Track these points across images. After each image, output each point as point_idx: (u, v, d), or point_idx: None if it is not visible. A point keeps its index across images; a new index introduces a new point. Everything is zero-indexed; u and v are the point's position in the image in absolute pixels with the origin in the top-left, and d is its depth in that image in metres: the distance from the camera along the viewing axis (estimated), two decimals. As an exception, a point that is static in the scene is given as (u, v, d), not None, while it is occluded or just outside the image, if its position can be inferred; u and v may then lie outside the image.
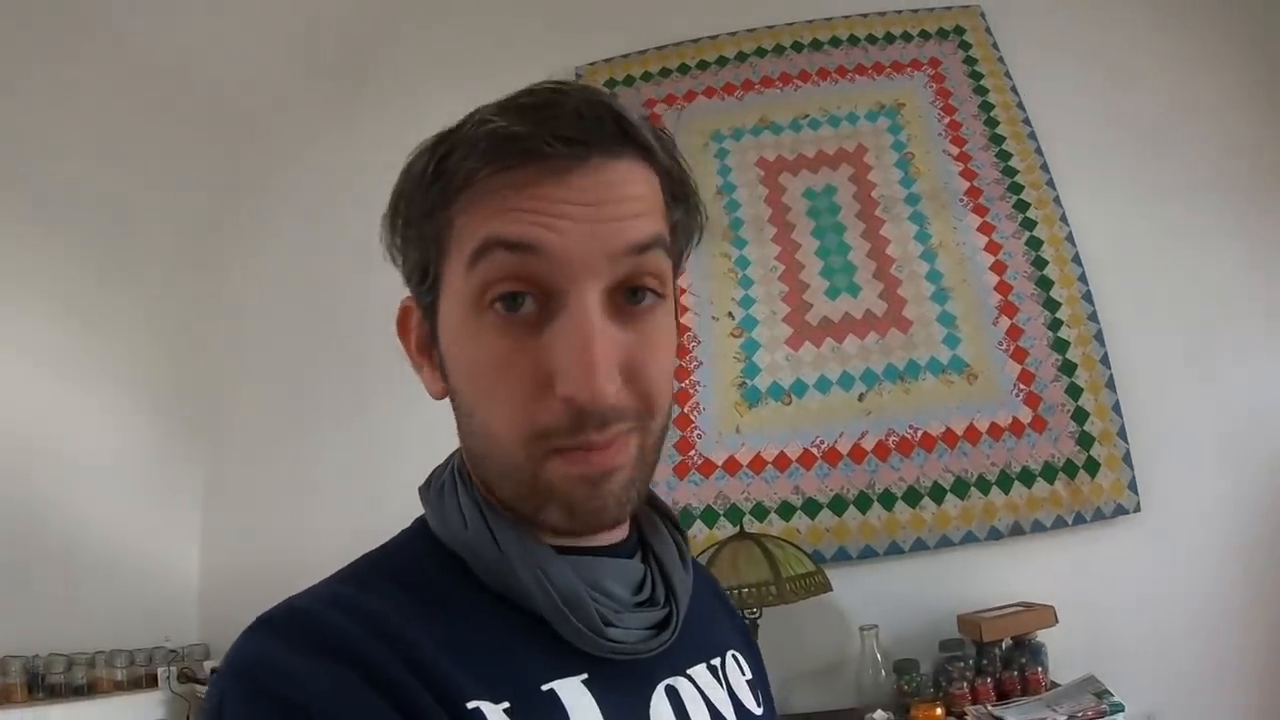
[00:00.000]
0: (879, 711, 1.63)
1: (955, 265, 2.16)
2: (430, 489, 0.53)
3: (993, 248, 2.16)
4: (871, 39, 2.45)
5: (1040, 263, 2.13)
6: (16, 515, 1.80)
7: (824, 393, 2.08)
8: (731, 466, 2.05)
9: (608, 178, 0.45)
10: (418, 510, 0.53)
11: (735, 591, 1.66)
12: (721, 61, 2.48)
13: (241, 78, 2.50)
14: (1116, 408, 1.98)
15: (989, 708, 1.61)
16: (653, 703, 0.49)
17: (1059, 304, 2.09)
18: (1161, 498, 1.92)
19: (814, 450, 2.04)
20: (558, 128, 0.44)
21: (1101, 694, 1.54)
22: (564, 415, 0.44)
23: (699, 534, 1.99)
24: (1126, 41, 2.33)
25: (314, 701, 0.38)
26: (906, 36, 2.44)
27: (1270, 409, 1.98)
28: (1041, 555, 1.92)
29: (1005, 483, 1.96)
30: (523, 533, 0.48)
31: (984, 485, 1.96)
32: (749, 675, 0.60)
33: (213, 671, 1.89)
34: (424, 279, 0.49)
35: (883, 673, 1.80)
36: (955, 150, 2.28)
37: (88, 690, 1.74)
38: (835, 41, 2.45)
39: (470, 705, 0.41)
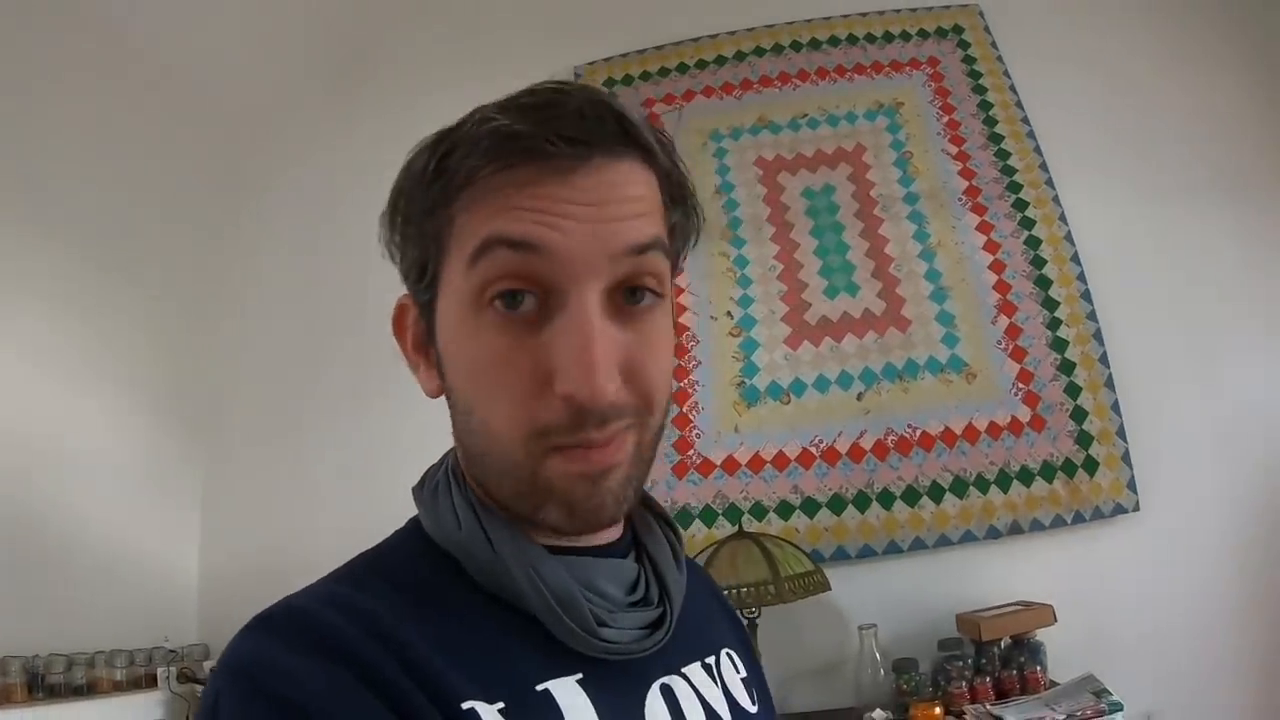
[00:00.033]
0: (878, 711, 1.64)
1: (954, 264, 2.16)
2: (424, 489, 0.53)
3: (991, 247, 2.16)
4: (870, 38, 2.45)
5: (1039, 262, 2.13)
6: (16, 515, 1.80)
7: (823, 392, 2.09)
8: (730, 466, 2.05)
9: (610, 178, 0.45)
10: (416, 510, 0.53)
11: (734, 591, 1.66)
12: (720, 61, 2.48)
13: (241, 78, 2.50)
14: (1115, 407, 1.98)
15: (988, 707, 1.61)
16: (648, 702, 0.49)
17: (1058, 303, 2.09)
18: (1160, 497, 1.92)
19: (813, 449, 2.04)
20: (560, 127, 0.44)
21: (1100, 693, 1.54)
22: (564, 413, 0.44)
23: (698, 533, 1.98)
24: (1125, 41, 2.33)
25: (311, 700, 0.38)
26: (905, 36, 2.44)
27: (1269, 408, 1.98)
28: (1040, 554, 1.93)
29: (1004, 482, 1.96)
30: (516, 533, 0.48)
31: (983, 484, 1.96)
32: (744, 673, 0.59)
33: (212, 671, 1.89)
34: (422, 276, 0.49)
35: (881, 672, 1.80)
36: (954, 149, 2.28)
37: (87, 690, 1.74)
38: (834, 41, 2.45)
39: (465, 706, 0.41)
